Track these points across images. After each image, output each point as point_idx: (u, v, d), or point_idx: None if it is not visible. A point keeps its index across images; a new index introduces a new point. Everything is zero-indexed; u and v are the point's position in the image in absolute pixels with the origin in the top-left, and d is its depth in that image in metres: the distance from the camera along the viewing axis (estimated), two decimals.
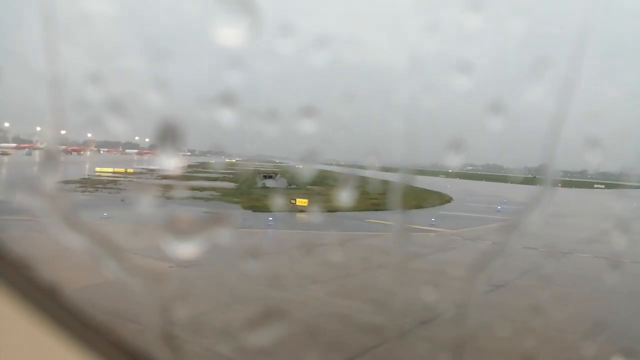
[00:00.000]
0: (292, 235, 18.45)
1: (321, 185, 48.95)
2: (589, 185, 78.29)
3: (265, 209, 27.45)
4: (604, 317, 9.75)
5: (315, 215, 26.68)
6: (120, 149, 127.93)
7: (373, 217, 26.21)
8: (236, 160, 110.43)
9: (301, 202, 29.67)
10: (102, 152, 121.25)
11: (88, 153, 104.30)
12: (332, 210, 30.00)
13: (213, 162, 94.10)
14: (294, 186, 47.98)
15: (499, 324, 9.32)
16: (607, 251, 18.48)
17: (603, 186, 77.70)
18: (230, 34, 2.20)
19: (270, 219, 20.77)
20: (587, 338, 8.47)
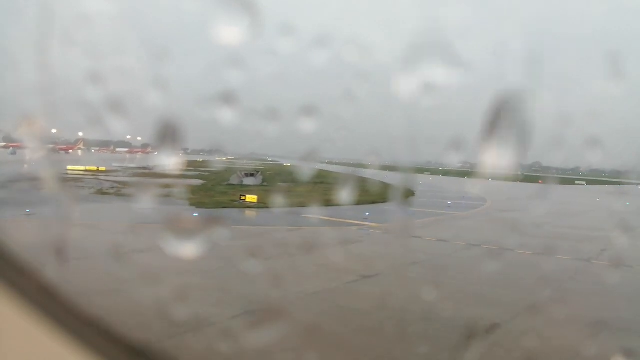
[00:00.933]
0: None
1: (295, 183, 49.41)
2: (570, 182, 78.32)
3: (210, 205, 27.92)
4: (412, 302, 10.02)
5: (255, 211, 27.15)
6: (112, 148, 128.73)
7: (315, 212, 26.62)
8: (227, 159, 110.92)
9: (251, 198, 30.10)
10: (93, 150, 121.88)
11: (79, 152, 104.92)
12: (280, 205, 30.48)
13: (201, 160, 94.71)
14: (266, 184, 48.49)
15: (325, 312, 9.73)
16: (515, 243, 18.73)
17: (584, 183, 77.75)
18: (229, 32, 2.16)
19: (195, 214, 21.24)
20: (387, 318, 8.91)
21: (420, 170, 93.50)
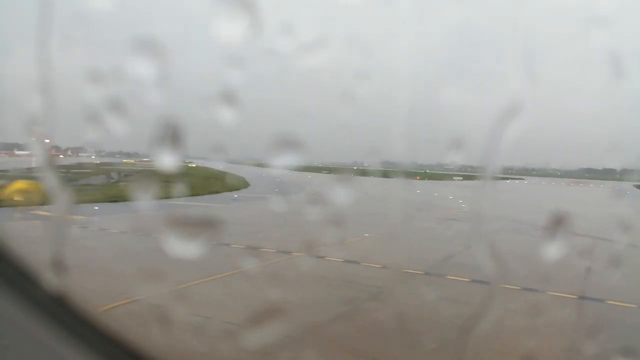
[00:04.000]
0: None
1: (146, 182, 48.87)
2: (449, 177, 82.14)
3: None
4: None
5: None
6: (15, 151, 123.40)
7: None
8: (134, 161, 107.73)
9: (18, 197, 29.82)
10: None
11: None
12: (39, 203, 30.10)
13: (99, 162, 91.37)
14: (111, 182, 48.15)
15: None
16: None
17: (461, 178, 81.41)
18: (228, 31, 2.13)
19: None
20: None
21: (333, 169, 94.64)
